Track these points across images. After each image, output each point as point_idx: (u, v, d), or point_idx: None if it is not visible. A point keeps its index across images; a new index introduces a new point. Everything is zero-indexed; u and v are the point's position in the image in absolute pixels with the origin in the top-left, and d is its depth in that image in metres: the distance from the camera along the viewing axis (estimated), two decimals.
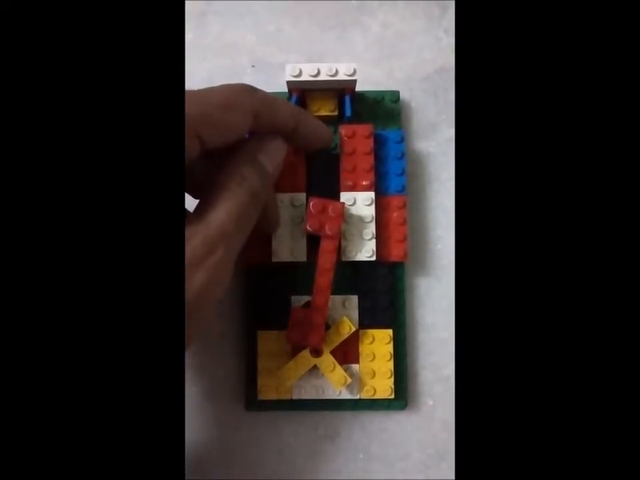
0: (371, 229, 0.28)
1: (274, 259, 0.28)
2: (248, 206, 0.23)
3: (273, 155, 0.25)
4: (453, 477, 0.28)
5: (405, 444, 0.29)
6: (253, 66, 0.32)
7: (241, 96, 0.23)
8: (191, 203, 0.25)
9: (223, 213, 0.22)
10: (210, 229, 0.21)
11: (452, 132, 0.31)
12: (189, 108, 0.21)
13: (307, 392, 0.28)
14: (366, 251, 0.28)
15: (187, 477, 0.29)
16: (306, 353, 0.28)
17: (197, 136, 0.22)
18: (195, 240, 0.21)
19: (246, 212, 0.23)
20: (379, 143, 0.29)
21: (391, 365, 0.28)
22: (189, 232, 0.21)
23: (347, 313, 0.28)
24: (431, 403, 0.30)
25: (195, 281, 0.21)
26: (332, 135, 0.28)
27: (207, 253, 0.21)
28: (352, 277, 0.29)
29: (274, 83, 0.30)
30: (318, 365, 0.28)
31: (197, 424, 0.29)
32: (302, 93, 0.29)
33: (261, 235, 0.27)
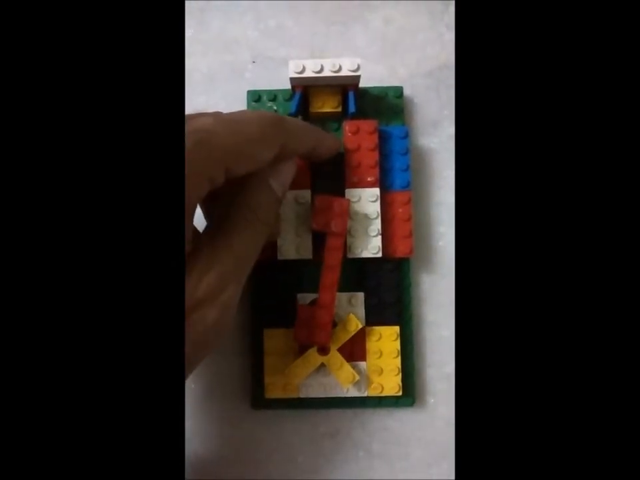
0: (377, 225, 0.28)
1: (280, 257, 0.28)
2: (260, 236, 0.23)
3: (284, 179, 0.25)
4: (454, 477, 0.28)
5: (406, 442, 0.29)
6: (254, 62, 0.31)
7: (272, 129, 0.23)
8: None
9: (238, 246, 0.22)
10: (225, 264, 0.22)
11: (454, 128, 0.31)
12: (220, 139, 0.21)
13: (314, 390, 0.28)
14: (372, 248, 0.28)
15: (193, 476, 0.28)
16: (313, 351, 0.27)
17: (225, 168, 0.21)
18: (210, 275, 0.21)
19: (258, 242, 0.23)
20: (383, 139, 0.29)
21: (398, 362, 0.28)
22: (203, 265, 0.21)
23: (353, 310, 0.28)
24: (432, 400, 0.29)
25: (208, 317, 0.21)
26: (341, 145, 0.28)
27: (221, 290, 0.21)
28: (358, 273, 0.29)
29: (275, 79, 0.30)
30: (325, 363, 0.27)
31: (203, 423, 0.29)
32: (305, 89, 0.29)
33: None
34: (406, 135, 0.29)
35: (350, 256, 0.28)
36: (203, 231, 0.24)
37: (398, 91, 0.30)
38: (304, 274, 0.28)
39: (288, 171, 0.25)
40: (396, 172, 0.29)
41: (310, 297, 0.28)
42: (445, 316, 0.30)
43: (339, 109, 0.29)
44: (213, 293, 0.21)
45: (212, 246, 0.22)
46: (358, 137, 0.28)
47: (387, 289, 0.28)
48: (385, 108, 0.30)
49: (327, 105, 0.29)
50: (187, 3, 0.30)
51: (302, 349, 0.28)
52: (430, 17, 0.31)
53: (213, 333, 0.21)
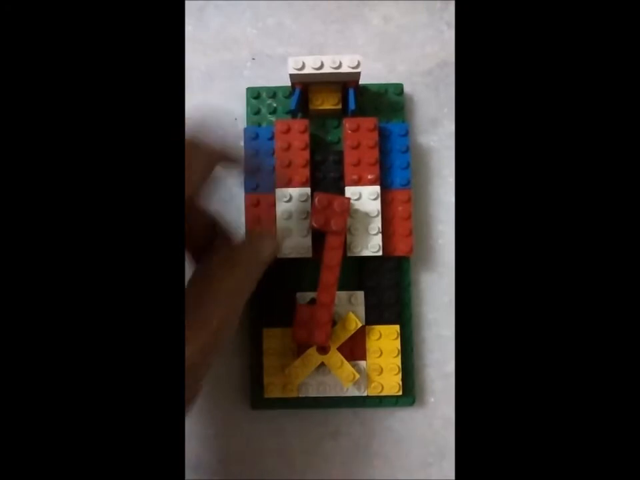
0: (377, 224, 0.28)
1: (279, 255, 0.27)
2: (245, 297, 0.24)
3: (267, 251, 0.25)
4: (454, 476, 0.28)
5: (406, 441, 0.29)
6: (253, 59, 0.31)
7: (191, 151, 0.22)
8: None
9: (225, 312, 0.23)
10: (210, 335, 0.22)
11: (454, 126, 0.31)
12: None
13: (314, 390, 0.28)
14: (372, 246, 0.28)
15: (193, 476, 0.28)
16: (313, 351, 0.27)
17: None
18: (194, 345, 0.21)
19: (243, 304, 0.24)
20: (383, 137, 0.29)
21: (398, 361, 0.28)
22: (189, 334, 0.21)
23: (353, 309, 0.28)
24: (432, 400, 0.29)
25: (189, 384, 0.21)
26: None
27: (204, 357, 0.22)
28: (358, 272, 0.29)
29: (275, 77, 0.30)
30: (325, 362, 0.27)
31: (203, 423, 0.29)
32: (305, 86, 0.28)
33: None
34: (406, 133, 0.29)
35: (350, 254, 0.28)
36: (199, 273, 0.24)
37: (398, 88, 0.30)
38: (303, 273, 0.28)
39: (271, 244, 0.26)
40: (396, 170, 0.29)
41: (309, 295, 0.28)
42: (445, 315, 0.30)
43: (339, 106, 0.29)
44: (197, 362, 0.21)
45: (198, 310, 0.22)
46: (358, 134, 0.28)
47: (387, 288, 0.28)
48: (385, 105, 0.30)
49: (327, 102, 0.29)
50: (186, 2, 0.30)
51: (301, 349, 0.27)
52: (429, 14, 0.31)
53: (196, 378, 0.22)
